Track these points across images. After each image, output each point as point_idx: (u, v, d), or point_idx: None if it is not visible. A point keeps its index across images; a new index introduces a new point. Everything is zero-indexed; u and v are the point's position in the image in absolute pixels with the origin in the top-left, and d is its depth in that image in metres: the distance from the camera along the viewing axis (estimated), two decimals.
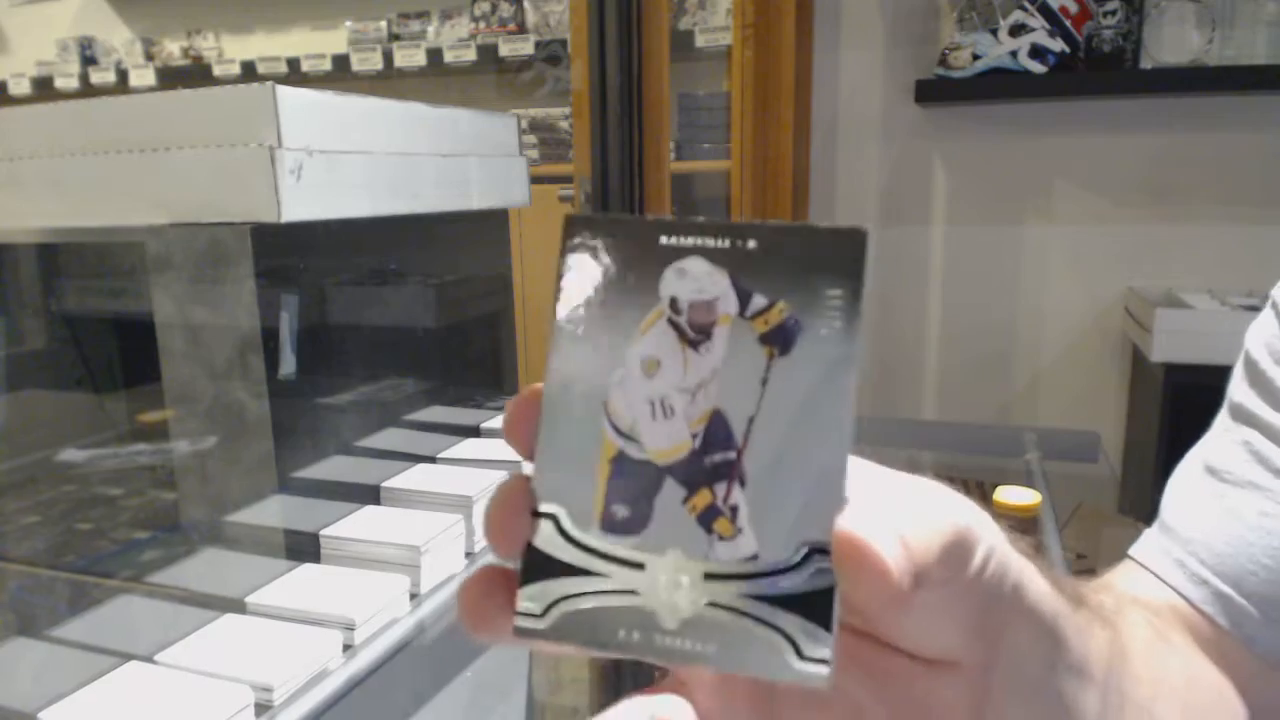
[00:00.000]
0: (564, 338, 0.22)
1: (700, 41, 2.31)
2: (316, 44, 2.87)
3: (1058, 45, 1.79)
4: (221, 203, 0.61)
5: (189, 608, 0.62)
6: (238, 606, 0.61)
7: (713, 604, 0.20)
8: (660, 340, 0.21)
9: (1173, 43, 1.77)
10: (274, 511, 0.66)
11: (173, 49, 3.07)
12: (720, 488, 0.21)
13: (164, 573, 0.68)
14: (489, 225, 0.96)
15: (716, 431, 0.21)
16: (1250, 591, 0.41)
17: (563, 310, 0.22)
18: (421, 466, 0.81)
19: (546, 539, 0.21)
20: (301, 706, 0.53)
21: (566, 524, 0.21)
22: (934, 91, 1.92)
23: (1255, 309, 0.48)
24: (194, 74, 2.99)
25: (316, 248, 0.71)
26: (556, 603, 0.20)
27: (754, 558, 0.20)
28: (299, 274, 0.69)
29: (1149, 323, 1.53)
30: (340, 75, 2.74)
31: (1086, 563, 0.82)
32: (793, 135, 1.85)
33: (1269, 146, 1.81)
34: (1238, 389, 0.45)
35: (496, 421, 0.93)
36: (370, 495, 0.75)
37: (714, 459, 0.21)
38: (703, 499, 0.21)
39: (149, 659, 0.55)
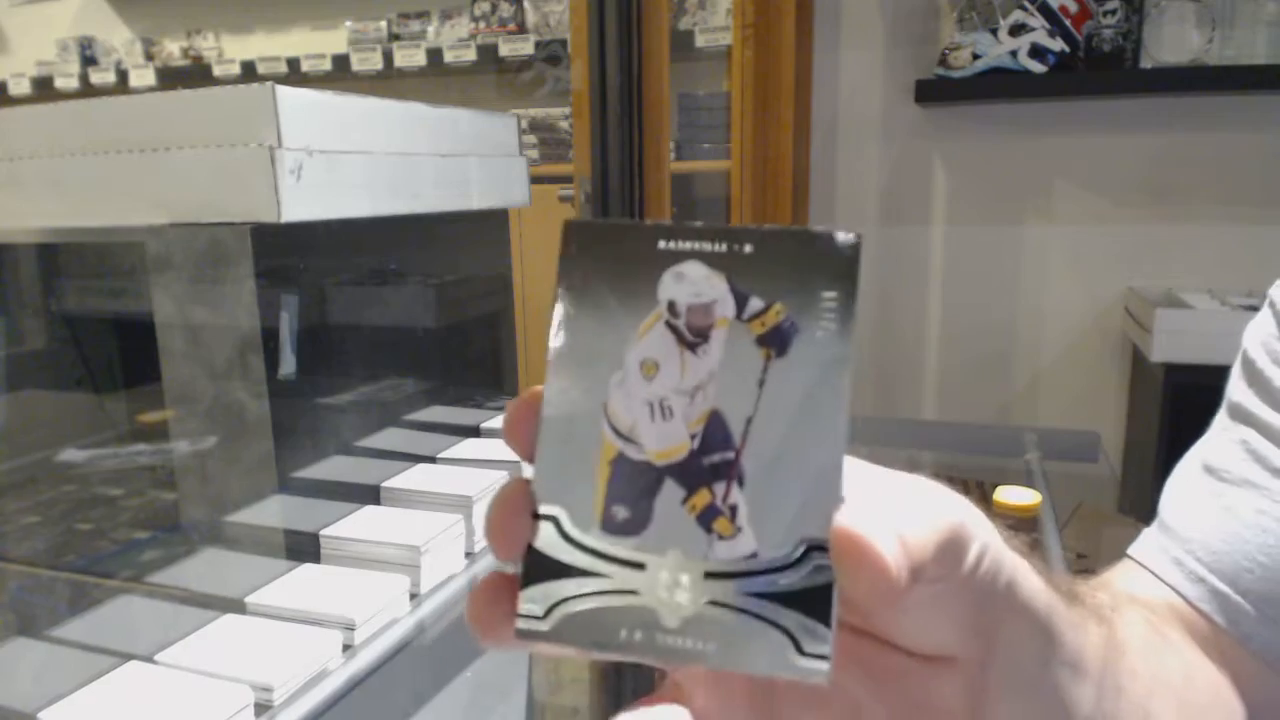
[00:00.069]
0: (563, 341, 0.22)
1: (700, 41, 2.31)
2: (316, 44, 2.87)
3: (1058, 45, 1.79)
4: (221, 203, 0.61)
5: (189, 608, 0.62)
6: (238, 606, 0.61)
7: (713, 602, 0.20)
8: (659, 343, 0.21)
9: (1173, 42, 1.76)
10: (274, 511, 0.66)
11: (173, 49, 3.07)
12: (719, 487, 0.21)
13: (164, 573, 0.68)
14: (489, 225, 0.96)
15: (715, 432, 0.21)
16: (1246, 589, 0.41)
17: (562, 314, 0.22)
18: (421, 466, 0.81)
19: (547, 541, 0.21)
20: (301, 706, 0.53)
21: (567, 525, 0.21)
22: (934, 91, 1.92)
23: (1255, 309, 0.48)
24: (194, 74, 2.99)
25: (316, 248, 0.71)
26: (558, 604, 0.21)
27: (753, 556, 0.20)
28: (299, 274, 0.69)
29: (1149, 323, 1.53)
30: (340, 75, 2.74)
31: (1087, 562, 0.82)
32: (793, 135, 1.85)
33: (1269, 146, 1.81)
34: (1236, 388, 0.46)
35: (496, 421, 0.93)
36: (370, 495, 0.75)
37: (713, 459, 0.21)
38: (702, 499, 0.21)
39: (149, 659, 0.55)
